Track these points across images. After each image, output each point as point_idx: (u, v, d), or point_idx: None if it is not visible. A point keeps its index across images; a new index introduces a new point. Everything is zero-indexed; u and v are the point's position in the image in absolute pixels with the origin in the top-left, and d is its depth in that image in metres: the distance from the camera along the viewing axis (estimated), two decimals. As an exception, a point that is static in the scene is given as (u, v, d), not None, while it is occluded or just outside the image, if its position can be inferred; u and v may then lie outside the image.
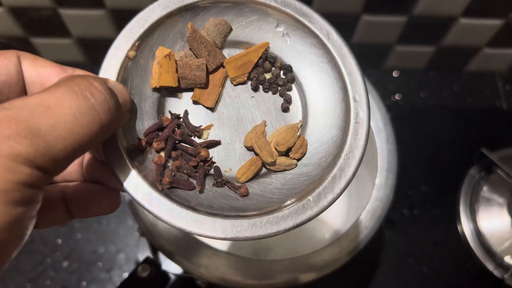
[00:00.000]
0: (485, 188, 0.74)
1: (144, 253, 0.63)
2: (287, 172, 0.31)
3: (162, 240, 0.55)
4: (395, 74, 0.86)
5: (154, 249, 0.62)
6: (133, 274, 0.55)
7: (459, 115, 0.83)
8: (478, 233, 0.72)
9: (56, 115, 0.21)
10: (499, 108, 0.85)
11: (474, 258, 0.72)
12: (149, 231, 0.55)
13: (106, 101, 0.23)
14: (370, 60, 0.85)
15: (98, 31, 0.76)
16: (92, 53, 0.82)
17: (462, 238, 0.73)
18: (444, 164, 0.79)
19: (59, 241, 0.71)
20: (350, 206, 0.68)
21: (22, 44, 0.78)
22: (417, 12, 0.72)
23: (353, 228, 0.57)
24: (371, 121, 0.45)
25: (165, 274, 0.58)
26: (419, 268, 0.72)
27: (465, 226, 0.74)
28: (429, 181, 0.78)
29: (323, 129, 0.32)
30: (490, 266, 0.71)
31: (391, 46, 0.81)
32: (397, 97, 0.84)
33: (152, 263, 0.56)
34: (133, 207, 0.56)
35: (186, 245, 0.54)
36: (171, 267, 0.58)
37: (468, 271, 0.72)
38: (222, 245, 0.55)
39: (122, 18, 0.73)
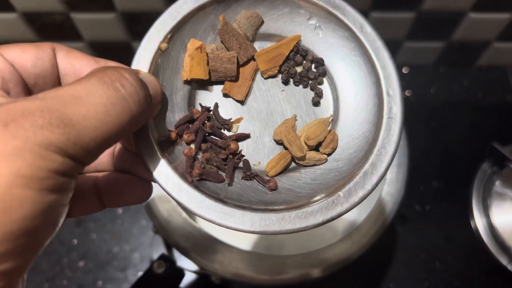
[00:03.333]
0: (497, 183, 0.74)
1: (159, 251, 0.63)
2: (317, 167, 0.31)
3: (176, 237, 0.55)
4: (404, 70, 0.86)
5: (169, 246, 0.62)
6: (149, 271, 0.55)
7: (470, 110, 0.83)
8: (491, 228, 0.72)
9: (87, 105, 0.21)
10: (510, 102, 0.84)
11: (487, 253, 0.72)
12: (163, 228, 0.55)
13: (136, 92, 0.23)
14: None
15: (109, 34, 0.76)
16: (104, 56, 0.81)
17: (475, 233, 0.73)
18: (456, 159, 0.79)
19: (75, 241, 0.71)
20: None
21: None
22: (426, 8, 0.72)
23: (364, 222, 0.57)
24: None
25: (180, 271, 0.58)
26: (432, 264, 0.72)
27: (478, 221, 0.74)
28: (441, 176, 0.77)
29: (355, 124, 0.32)
30: (503, 261, 0.70)
31: (400, 43, 0.81)
32: (407, 93, 0.83)
33: (167, 260, 0.56)
34: (148, 204, 0.56)
35: (200, 242, 0.54)
36: (186, 264, 0.58)
37: (481, 266, 0.72)
38: (235, 241, 0.55)
39: (132, 21, 0.73)
